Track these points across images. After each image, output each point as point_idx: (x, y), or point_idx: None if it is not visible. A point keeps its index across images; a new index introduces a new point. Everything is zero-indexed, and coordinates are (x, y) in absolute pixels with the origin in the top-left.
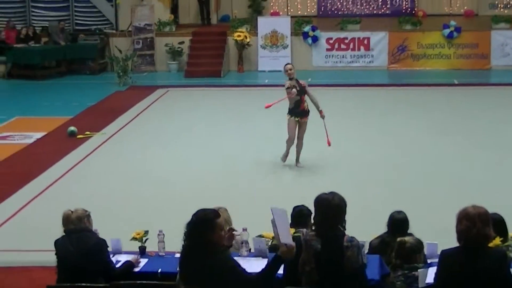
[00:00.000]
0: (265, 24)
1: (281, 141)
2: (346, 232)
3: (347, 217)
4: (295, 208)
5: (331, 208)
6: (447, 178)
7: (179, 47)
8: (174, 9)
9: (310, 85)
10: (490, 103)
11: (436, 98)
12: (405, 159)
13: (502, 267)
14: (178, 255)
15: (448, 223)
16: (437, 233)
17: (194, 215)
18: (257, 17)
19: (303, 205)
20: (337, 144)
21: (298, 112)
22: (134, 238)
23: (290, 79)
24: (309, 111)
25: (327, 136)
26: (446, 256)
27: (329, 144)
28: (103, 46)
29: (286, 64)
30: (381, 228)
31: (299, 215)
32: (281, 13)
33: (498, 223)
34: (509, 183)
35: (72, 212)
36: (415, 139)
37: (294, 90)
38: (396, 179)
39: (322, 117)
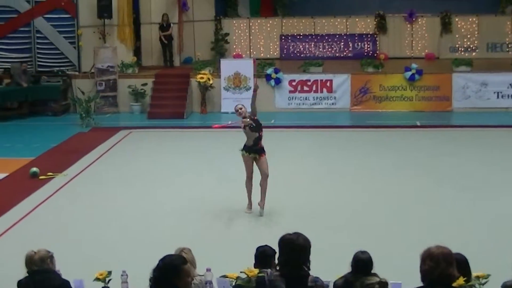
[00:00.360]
0: (228, 66)
1: (243, 182)
2: (311, 272)
3: (311, 257)
4: (258, 248)
5: (295, 248)
6: (410, 218)
7: (142, 89)
8: (137, 51)
9: (272, 127)
10: (452, 144)
11: (399, 140)
12: (368, 200)
13: None
14: None
15: (412, 262)
16: (401, 273)
17: (161, 260)
18: (220, 59)
19: (266, 245)
20: (300, 186)
21: (255, 149)
22: (97, 279)
23: (244, 118)
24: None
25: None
26: None
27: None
28: (66, 88)
29: (236, 105)
30: (345, 268)
31: (263, 255)
32: (243, 55)
33: (461, 263)
34: (471, 222)
35: (35, 253)
36: (378, 180)
37: (247, 120)
38: (359, 219)
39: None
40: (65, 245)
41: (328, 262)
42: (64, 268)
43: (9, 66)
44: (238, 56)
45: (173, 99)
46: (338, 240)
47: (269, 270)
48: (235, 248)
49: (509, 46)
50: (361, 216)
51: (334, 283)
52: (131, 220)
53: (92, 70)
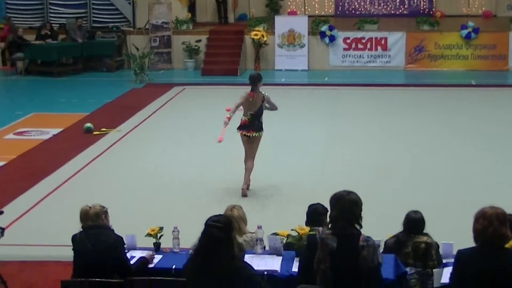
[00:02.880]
0: (282, 23)
1: (296, 142)
2: (362, 231)
3: (363, 217)
4: (310, 206)
5: (347, 204)
6: (464, 180)
7: (196, 45)
8: (192, 8)
9: (326, 84)
10: (508, 104)
11: (453, 99)
12: (422, 160)
13: None
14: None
15: (464, 223)
16: (453, 233)
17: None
18: (274, 16)
19: (318, 203)
20: (351, 144)
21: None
22: (148, 235)
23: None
24: (257, 124)
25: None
26: (462, 256)
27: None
28: (120, 44)
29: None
30: (397, 227)
31: (314, 213)
32: (298, 12)
33: None
34: None
35: (90, 208)
36: (432, 140)
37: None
38: (412, 180)
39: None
40: (118, 200)
41: (380, 221)
42: (116, 223)
43: (64, 22)
44: (293, 13)
45: (227, 56)
46: (390, 200)
47: (320, 228)
48: (286, 206)
49: None
50: (414, 176)
51: (385, 242)
52: (184, 177)
53: (147, 26)
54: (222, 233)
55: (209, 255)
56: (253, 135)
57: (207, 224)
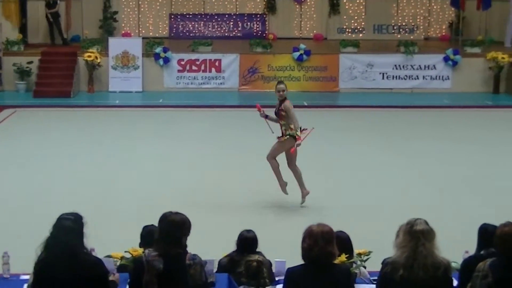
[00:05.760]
0: (116, 45)
1: (132, 163)
2: (193, 251)
3: (194, 236)
4: (145, 227)
5: (170, 225)
6: (296, 199)
7: (27, 67)
8: (23, 29)
9: (161, 106)
10: (338, 124)
11: None
12: (255, 179)
13: (346, 283)
14: (24, 277)
15: (297, 240)
16: (286, 251)
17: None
18: (108, 37)
19: (153, 225)
20: (185, 165)
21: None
22: None
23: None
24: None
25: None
26: (291, 274)
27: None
28: None
29: (279, 84)
30: (231, 246)
31: (149, 235)
32: (132, 34)
33: (344, 240)
34: (355, 201)
35: None
36: (262, 159)
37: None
38: (244, 199)
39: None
40: None
41: (214, 241)
42: None
43: None
44: (127, 35)
45: (60, 77)
46: (222, 220)
47: (147, 250)
48: (123, 227)
49: (395, 28)
50: (246, 196)
51: (219, 261)
52: (14, 201)
53: None
54: (73, 224)
55: (60, 246)
56: None
57: (59, 218)
